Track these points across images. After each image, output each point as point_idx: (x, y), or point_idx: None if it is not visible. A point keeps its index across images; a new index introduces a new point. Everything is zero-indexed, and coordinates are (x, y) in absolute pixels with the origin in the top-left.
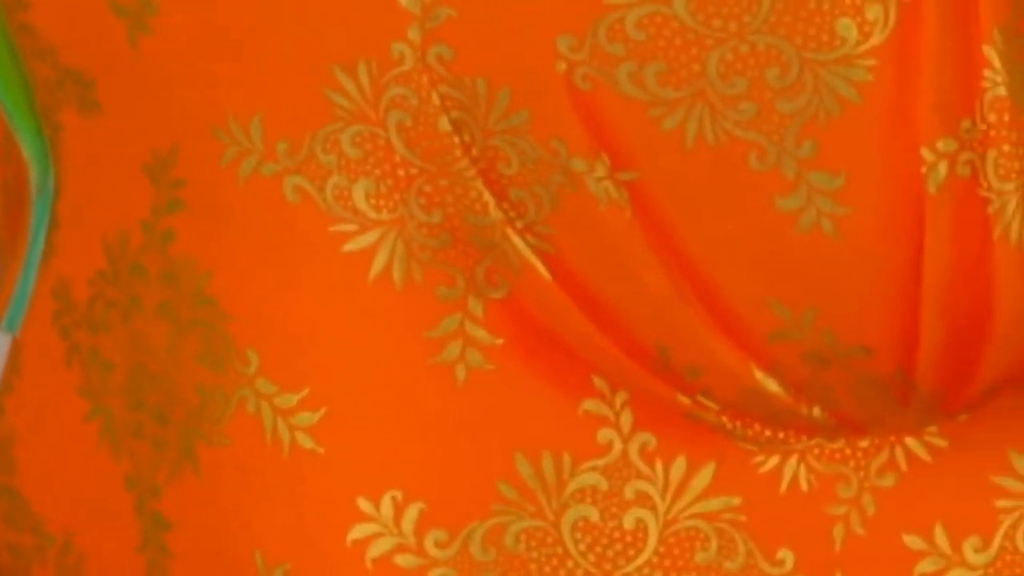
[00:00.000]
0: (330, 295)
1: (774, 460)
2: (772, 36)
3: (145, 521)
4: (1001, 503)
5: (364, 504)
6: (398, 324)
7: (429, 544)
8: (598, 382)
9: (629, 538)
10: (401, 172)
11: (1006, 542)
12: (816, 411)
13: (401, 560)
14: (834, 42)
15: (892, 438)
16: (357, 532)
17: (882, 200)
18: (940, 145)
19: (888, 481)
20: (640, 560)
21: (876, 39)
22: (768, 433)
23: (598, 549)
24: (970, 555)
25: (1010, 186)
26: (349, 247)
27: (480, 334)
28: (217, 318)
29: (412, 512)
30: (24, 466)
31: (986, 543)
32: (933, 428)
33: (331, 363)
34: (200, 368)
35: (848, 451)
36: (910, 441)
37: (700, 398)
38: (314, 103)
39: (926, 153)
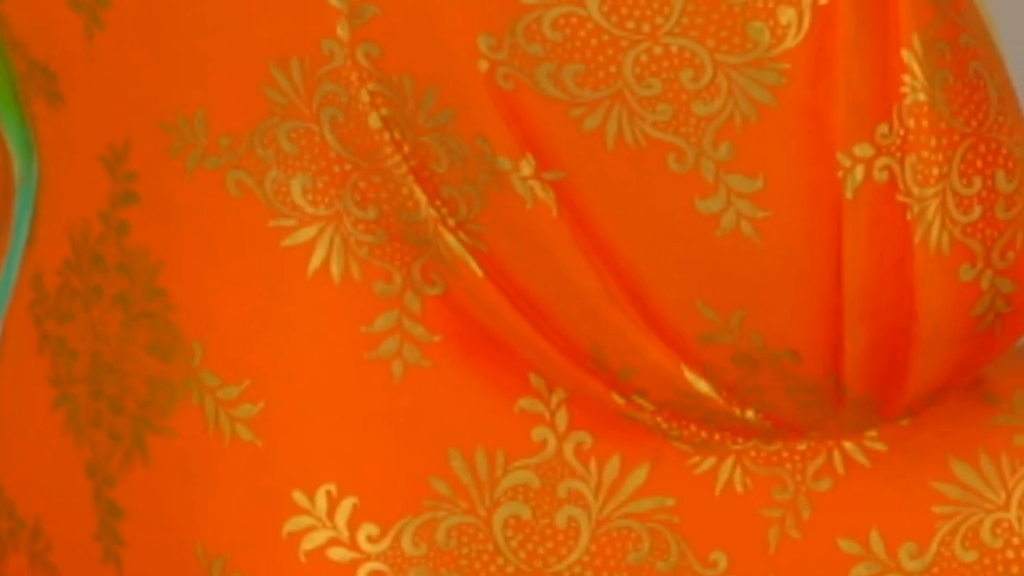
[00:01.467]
0: (270, 289)
1: (710, 461)
2: (685, 38)
3: (101, 509)
4: (939, 509)
5: (299, 497)
6: (336, 319)
7: (361, 538)
8: (535, 380)
9: (561, 536)
10: (336, 168)
11: (943, 548)
12: (750, 413)
13: (334, 554)
14: (746, 45)
15: (830, 442)
16: (292, 525)
17: (800, 204)
18: (856, 150)
19: (825, 485)
20: (572, 558)
21: (790, 43)
22: (704, 434)
23: (529, 546)
24: (906, 561)
25: (929, 192)
26: (288, 242)
27: (418, 330)
28: (166, 310)
29: (346, 506)
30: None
31: (922, 549)
32: (873, 432)
33: (270, 357)
34: (150, 359)
35: (785, 454)
36: (849, 445)
37: (635, 398)
38: (252, 98)
39: (842, 158)
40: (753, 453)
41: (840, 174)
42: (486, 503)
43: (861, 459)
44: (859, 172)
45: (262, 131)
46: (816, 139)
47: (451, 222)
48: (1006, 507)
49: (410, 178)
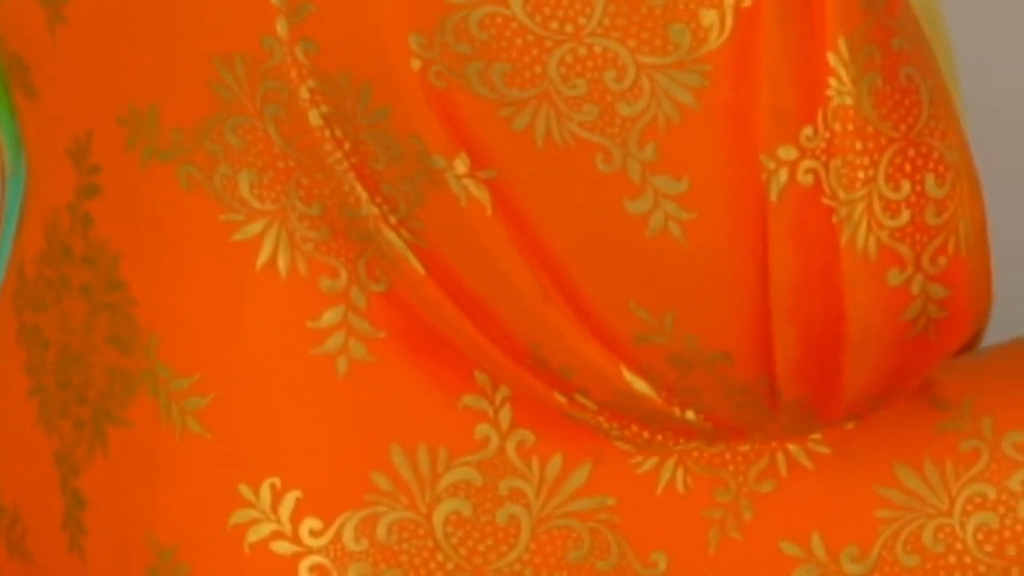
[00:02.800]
0: (221, 283)
1: (652, 461)
2: (607, 39)
3: (67, 498)
4: (881, 513)
5: (245, 490)
6: (283, 314)
7: (304, 532)
8: (480, 377)
9: (501, 534)
10: (280, 164)
11: (884, 552)
12: (690, 414)
13: (277, 547)
14: (668, 47)
15: (774, 444)
16: (238, 517)
17: (725, 206)
18: (780, 152)
19: (767, 487)
20: (512, 556)
21: (712, 45)
22: (646, 434)
23: (469, 543)
24: (847, 564)
25: (855, 195)
26: (237, 236)
27: (363, 326)
28: (125, 302)
29: (289, 500)
30: None
31: (864, 553)
32: (817, 435)
33: (220, 350)
34: (110, 350)
35: (728, 455)
36: (793, 448)
37: (577, 397)
38: (200, 93)
39: (766, 160)
40: (695, 454)
41: (764, 176)
42: (427, 499)
43: (805, 462)
44: (783, 175)
45: (210, 126)
46: (740, 141)
47: (392, 219)
48: (949, 513)
49: (351, 175)
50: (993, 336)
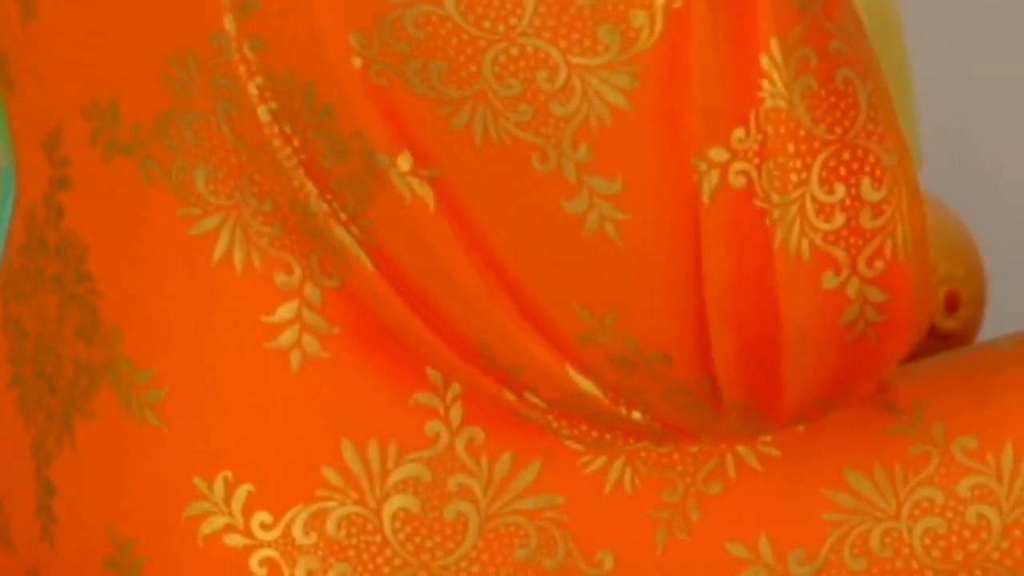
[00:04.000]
0: (178, 276)
1: (600, 461)
2: (538, 39)
3: (40, 487)
4: (829, 516)
5: (199, 482)
6: (238, 308)
7: (255, 525)
8: (432, 374)
9: (449, 530)
10: (233, 159)
11: (832, 556)
12: (636, 414)
13: (229, 539)
14: (598, 48)
15: (723, 445)
16: (192, 510)
17: (658, 207)
18: (711, 154)
19: (715, 488)
20: (459, 553)
21: (642, 46)
22: (595, 434)
23: (417, 539)
24: (794, 567)
25: (787, 197)
26: (194, 230)
27: (317, 321)
28: (91, 294)
29: (241, 493)
30: None
31: (811, 556)
32: (767, 437)
33: (177, 343)
34: (77, 341)
35: (676, 456)
36: (742, 449)
37: (527, 395)
38: (157, 88)
39: (697, 162)
40: (644, 454)
41: (696, 178)
42: (376, 495)
43: (754, 463)
44: (714, 176)
45: (167, 121)
46: (671, 142)
47: (342, 216)
48: (896, 517)
49: (300, 171)
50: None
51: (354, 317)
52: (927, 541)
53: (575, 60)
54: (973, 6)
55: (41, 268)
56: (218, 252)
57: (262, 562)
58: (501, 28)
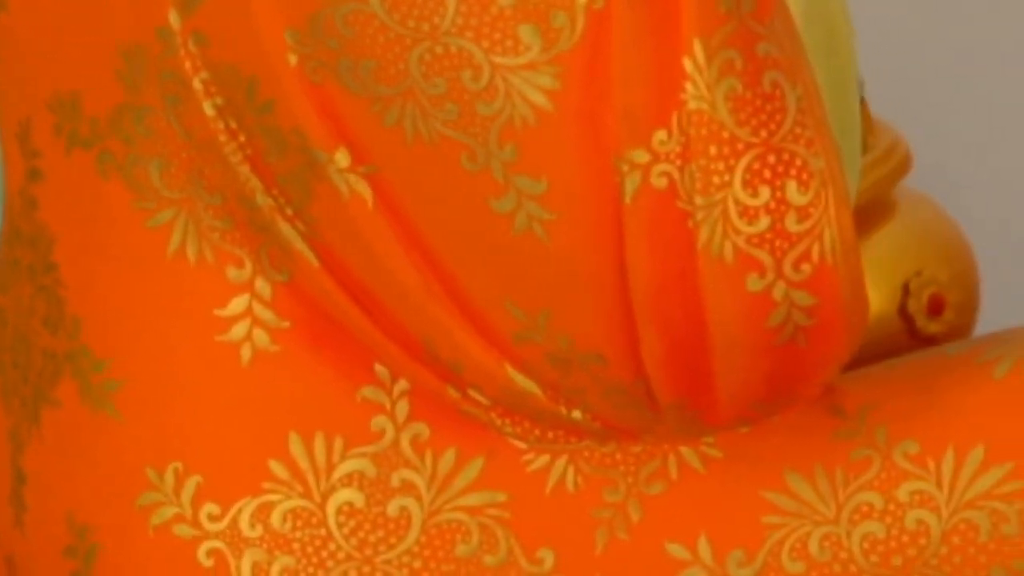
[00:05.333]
0: (136, 269)
1: (543, 459)
2: (461, 39)
3: (14, 475)
4: (769, 519)
5: (151, 473)
6: (191, 301)
7: (203, 516)
8: (380, 370)
9: (392, 525)
10: (184, 154)
11: (770, 559)
12: (576, 413)
13: (178, 530)
14: (519, 48)
15: (666, 446)
16: (144, 499)
17: (583, 207)
18: (633, 155)
19: (657, 488)
20: (401, 548)
21: (563, 46)
22: (537, 432)
23: (361, 534)
24: (733, 568)
25: (710, 200)
26: (150, 224)
27: (267, 316)
28: (56, 284)
29: (191, 484)
30: None
31: (750, 557)
32: (710, 439)
33: (133, 335)
34: (44, 331)
35: (619, 455)
36: (685, 450)
37: (471, 393)
38: (111, 82)
39: (619, 163)
40: (587, 453)
41: (618, 179)
42: (321, 488)
43: (696, 465)
44: (636, 178)
45: (121, 114)
46: (594, 143)
47: (288, 211)
48: (836, 521)
49: (246, 167)
50: None
51: (303, 312)
52: (866, 546)
53: (497, 60)
54: (975, 7)
55: (18, 259)
56: (172, 245)
57: (209, 553)
58: (425, 27)
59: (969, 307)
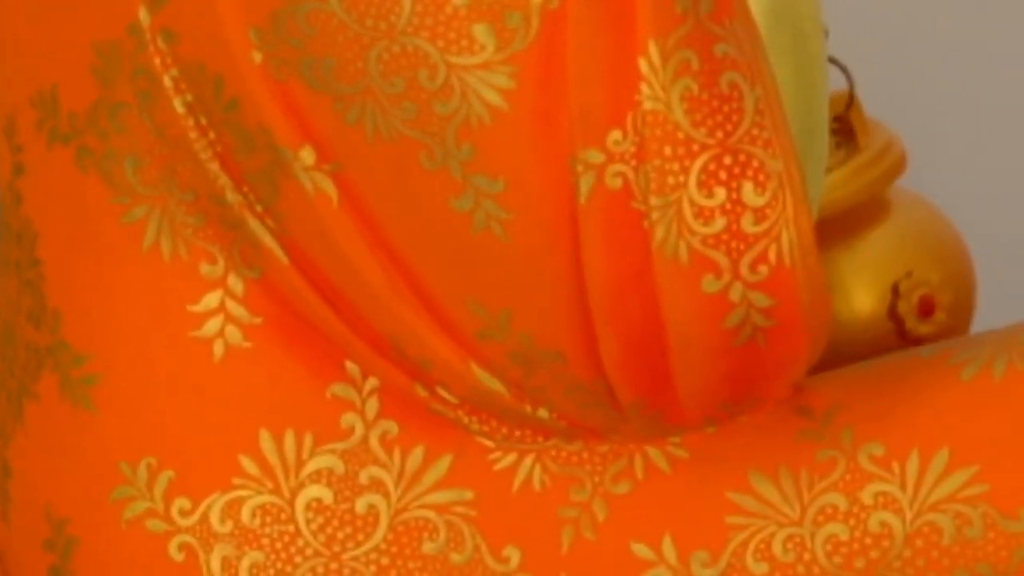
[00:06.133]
0: (113, 265)
1: (511, 458)
2: (417, 38)
3: (0, 467)
4: (733, 519)
5: (125, 467)
6: (165, 296)
7: (175, 511)
8: (351, 367)
9: (360, 522)
10: (157, 150)
11: (734, 559)
12: (542, 412)
13: (151, 524)
14: (474, 47)
15: (632, 445)
16: (118, 494)
17: (539, 207)
18: (588, 155)
19: (623, 488)
20: (368, 545)
21: (517, 46)
22: (504, 430)
23: (329, 530)
24: (697, 569)
25: (665, 200)
26: (126, 219)
27: (240, 312)
28: (39, 279)
29: (163, 479)
30: None
31: (714, 558)
32: (676, 439)
33: (110, 330)
34: (28, 326)
35: (586, 455)
36: (651, 450)
37: (439, 391)
38: (87, 78)
39: (574, 163)
40: (554, 452)
41: (573, 179)
42: (290, 485)
43: (662, 465)
44: (591, 178)
45: (96, 111)
46: (549, 143)
47: (258, 208)
48: (799, 522)
49: (216, 164)
50: None
51: (275, 308)
52: (829, 547)
53: (453, 59)
54: (975, 7)
55: (5, 254)
56: (147, 241)
57: (180, 547)
58: (382, 26)
59: (963, 308)
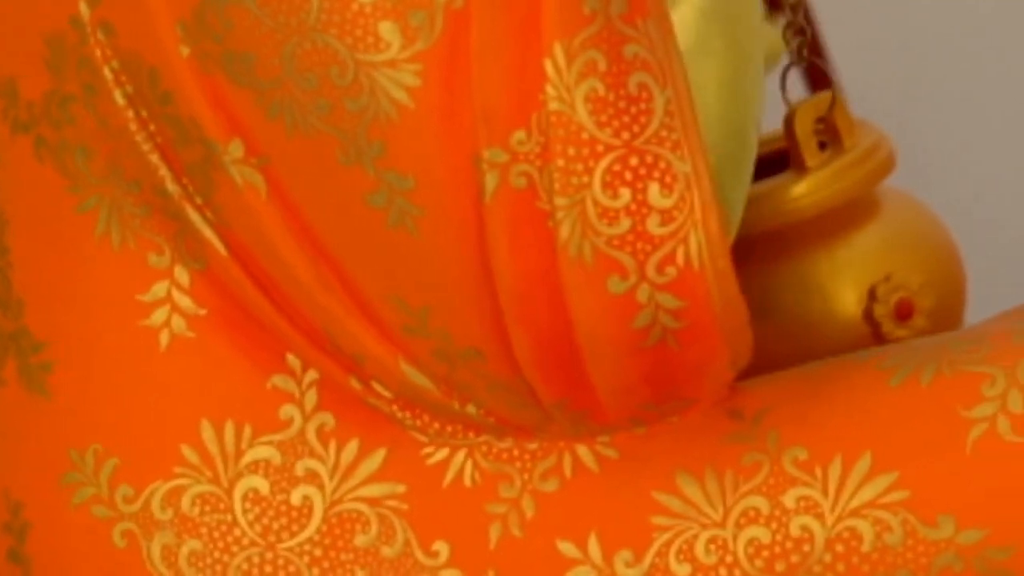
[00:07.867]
0: (68, 253)
1: (443, 453)
2: (326, 35)
3: None
4: (658, 520)
5: (74, 454)
6: (115, 286)
7: (118, 498)
8: (291, 359)
9: (295, 513)
10: (102, 141)
11: (658, 560)
12: (470, 408)
13: (96, 510)
14: (379, 45)
15: (562, 444)
16: (67, 479)
17: (447, 205)
18: (492, 155)
19: (551, 486)
20: (303, 536)
21: (421, 45)
22: (436, 425)
23: (265, 521)
24: (621, 568)
25: (569, 200)
26: (80, 208)
27: (185, 302)
28: (7, 266)
29: (108, 466)
30: None
31: (638, 558)
32: (605, 438)
33: (65, 318)
34: None
35: (516, 452)
36: (581, 449)
37: (373, 385)
38: (40, 70)
39: (478, 161)
40: (485, 448)
41: (478, 178)
42: (229, 474)
43: (590, 463)
44: (495, 176)
45: (49, 100)
46: (454, 141)
47: (197, 200)
48: (723, 524)
49: (156, 155)
50: None
51: (218, 300)
52: (751, 550)
53: (360, 57)
54: (975, 7)
55: None
56: (98, 231)
57: (123, 534)
58: (293, 22)
59: (947, 311)
